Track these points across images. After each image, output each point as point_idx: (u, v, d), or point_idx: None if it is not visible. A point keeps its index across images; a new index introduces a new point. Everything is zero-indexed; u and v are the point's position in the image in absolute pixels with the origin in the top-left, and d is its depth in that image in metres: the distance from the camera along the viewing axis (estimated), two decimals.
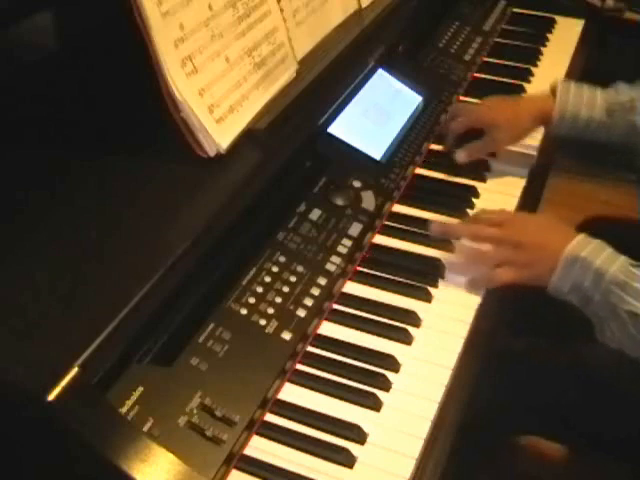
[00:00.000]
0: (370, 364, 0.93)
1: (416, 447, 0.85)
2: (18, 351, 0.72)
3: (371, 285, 1.04)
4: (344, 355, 0.94)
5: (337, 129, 1.17)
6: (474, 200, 1.22)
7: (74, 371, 0.70)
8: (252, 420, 0.83)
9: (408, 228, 1.14)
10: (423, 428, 0.87)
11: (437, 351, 0.96)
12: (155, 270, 0.81)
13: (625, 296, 0.94)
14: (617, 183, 2.27)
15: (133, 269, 0.82)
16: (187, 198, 0.92)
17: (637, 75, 1.27)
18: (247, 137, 1.00)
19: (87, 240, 0.85)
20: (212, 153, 0.95)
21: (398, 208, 1.18)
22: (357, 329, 0.98)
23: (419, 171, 1.27)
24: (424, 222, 1.12)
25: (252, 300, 0.91)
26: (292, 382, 0.90)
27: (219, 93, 0.97)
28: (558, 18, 1.73)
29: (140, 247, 0.85)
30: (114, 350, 0.76)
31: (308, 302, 0.95)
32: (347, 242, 1.04)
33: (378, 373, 0.92)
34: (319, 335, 0.96)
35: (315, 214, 1.05)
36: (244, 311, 0.90)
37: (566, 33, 1.69)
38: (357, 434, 0.85)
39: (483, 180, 1.25)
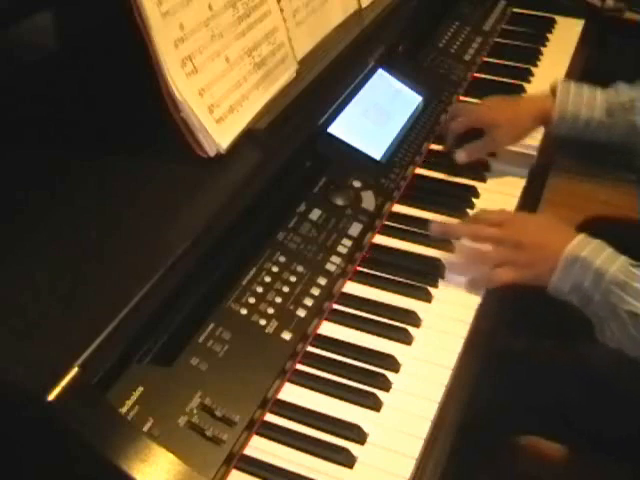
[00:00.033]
0: (370, 364, 0.93)
1: (416, 447, 0.85)
2: (18, 351, 0.72)
3: (371, 285, 1.04)
4: (344, 355, 0.94)
5: (337, 129, 1.17)
6: (474, 200, 1.22)
7: (74, 371, 0.70)
8: (252, 420, 0.83)
9: (408, 228, 1.14)
10: (423, 428, 0.87)
11: (437, 351, 0.96)
12: (155, 270, 0.81)
13: (625, 296, 0.94)
14: (617, 183, 2.27)
15: (133, 269, 0.82)
16: (187, 198, 0.92)
17: (637, 75, 1.27)
18: (247, 137, 1.00)
19: (87, 240, 0.85)
20: (212, 153, 0.95)
21: (398, 208, 1.18)
22: (357, 329, 0.98)
23: (419, 171, 1.27)
24: (424, 222, 1.12)
25: (252, 300, 0.91)
26: (292, 382, 0.90)
27: (219, 93, 0.97)
28: (558, 18, 1.73)
29: (140, 247, 0.85)
30: (114, 350, 0.76)
31: (308, 302, 0.95)
32: (347, 242, 1.04)
33: (378, 373, 0.92)
34: (319, 335, 0.96)
35: (315, 214, 1.05)
36: (244, 311, 0.90)
37: (566, 33, 1.69)
38: (357, 434, 0.85)
39: (483, 180, 1.25)
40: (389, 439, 0.86)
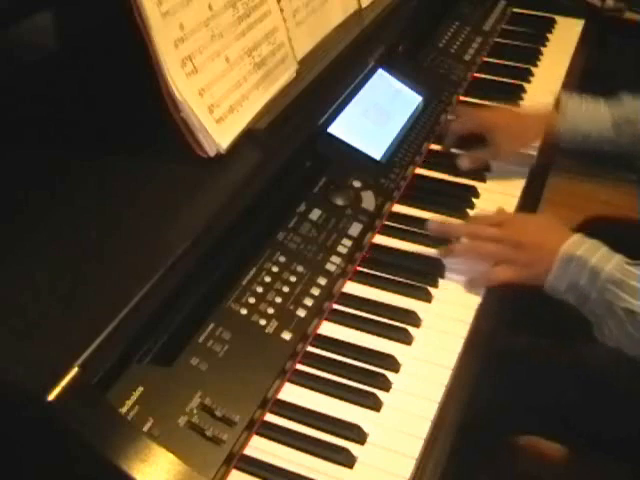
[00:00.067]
0: (370, 364, 0.93)
1: (416, 447, 0.85)
2: (18, 351, 0.72)
3: (371, 285, 1.04)
4: (344, 355, 0.94)
5: (337, 129, 1.17)
6: (474, 200, 1.22)
7: (74, 371, 0.70)
8: (252, 420, 0.83)
9: (408, 228, 1.14)
10: (423, 428, 0.87)
11: (437, 351, 0.96)
12: (155, 270, 0.81)
13: (621, 293, 0.94)
14: (617, 183, 2.27)
15: (133, 269, 0.81)
16: (187, 198, 0.92)
17: (637, 75, 1.27)
18: (247, 137, 1.00)
19: (87, 240, 0.85)
20: (212, 153, 0.95)
21: (398, 208, 1.18)
22: (357, 329, 0.98)
23: (419, 171, 1.27)
24: (424, 222, 1.12)
25: (252, 300, 0.91)
26: (292, 382, 0.90)
27: (219, 93, 0.97)
28: (558, 18, 1.73)
29: (140, 247, 0.85)
30: (114, 350, 0.76)
31: (308, 302, 0.95)
32: (347, 242, 1.04)
33: (378, 373, 0.92)
34: (319, 335, 0.96)
35: (315, 214, 1.05)
36: (244, 311, 0.90)
37: (566, 33, 1.69)
38: (357, 434, 0.85)
39: (483, 180, 1.25)
40: (389, 439, 0.86)
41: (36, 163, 0.95)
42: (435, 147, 1.32)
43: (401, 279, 1.05)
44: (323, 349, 0.95)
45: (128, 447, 0.70)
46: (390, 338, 0.97)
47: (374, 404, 0.89)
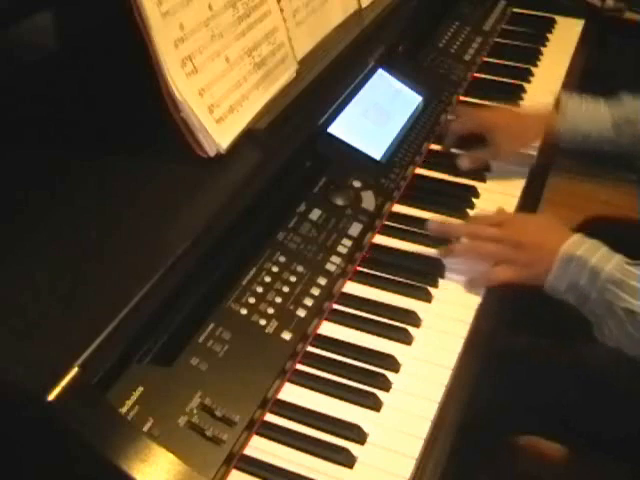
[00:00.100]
0: (370, 364, 0.93)
1: (416, 447, 0.85)
2: (18, 351, 0.72)
3: (371, 285, 1.04)
4: (344, 355, 0.94)
5: (337, 129, 1.17)
6: (474, 200, 1.21)
7: (74, 371, 0.70)
8: (252, 420, 0.83)
9: (408, 228, 1.14)
10: (423, 428, 0.87)
11: (437, 351, 0.96)
12: (155, 270, 0.81)
13: (621, 293, 0.94)
14: (617, 183, 2.27)
15: (133, 269, 0.82)
16: (187, 198, 0.92)
17: (637, 75, 1.27)
18: (247, 137, 1.00)
19: (87, 240, 0.85)
20: (212, 153, 0.95)
21: (398, 208, 1.18)
22: (357, 329, 0.98)
23: (419, 171, 1.27)
24: (424, 222, 1.12)
25: (252, 300, 0.91)
26: (292, 382, 0.90)
27: (219, 93, 0.97)
28: (558, 18, 1.73)
29: (140, 247, 0.85)
30: (114, 350, 0.76)
31: (308, 302, 0.95)
32: (347, 242, 1.04)
33: (378, 373, 0.92)
34: (319, 335, 0.96)
35: (315, 214, 1.05)
36: (244, 311, 0.90)
37: (566, 33, 1.69)
38: (357, 434, 0.85)
39: (483, 180, 1.25)
40: (389, 439, 0.86)
41: (36, 163, 0.95)
42: (435, 147, 1.32)
43: (401, 279, 1.05)
44: (323, 349, 0.95)
45: (128, 447, 0.70)
46: (390, 338, 0.97)
47: (374, 404, 0.89)
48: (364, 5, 1.34)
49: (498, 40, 1.65)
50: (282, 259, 0.97)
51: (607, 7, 1.73)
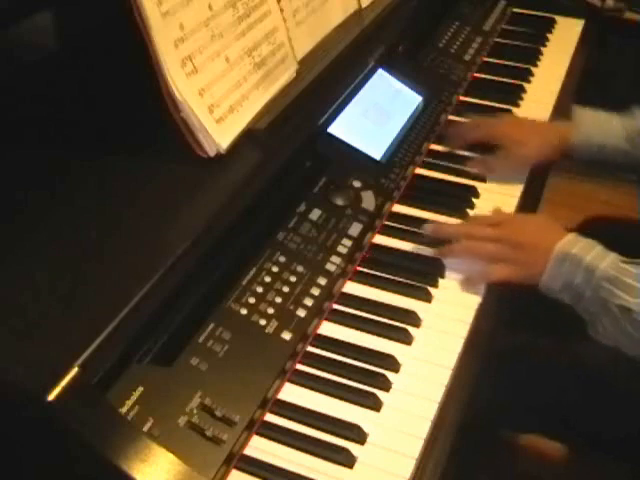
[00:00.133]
0: (370, 364, 0.93)
1: (416, 447, 0.85)
2: (18, 351, 0.72)
3: (371, 285, 1.04)
4: (344, 355, 0.94)
5: (337, 129, 1.17)
6: (474, 200, 1.21)
7: (74, 371, 0.70)
8: (252, 420, 0.83)
9: (408, 228, 1.13)
10: (423, 428, 0.87)
11: (437, 351, 0.96)
12: (155, 270, 0.81)
13: (616, 290, 0.95)
14: (617, 183, 2.27)
15: (133, 269, 0.81)
16: (187, 198, 0.92)
17: (637, 75, 1.28)
18: (247, 137, 1.00)
19: (87, 240, 0.85)
20: (212, 153, 0.95)
21: (398, 208, 1.18)
22: (357, 329, 0.98)
23: (419, 171, 1.26)
24: (424, 222, 1.12)
25: (252, 300, 0.91)
26: (292, 382, 0.90)
27: (219, 93, 0.97)
28: (558, 18, 1.73)
29: (140, 247, 0.85)
30: (114, 350, 0.76)
31: (308, 302, 0.95)
32: (347, 242, 1.04)
33: (378, 373, 0.92)
34: (319, 335, 0.96)
35: (315, 214, 1.05)
36: (244, 311, 0.90)
37: (566, 33, 1.69)
38: (357, 434, 0.85)
39: (483, 180, 1.25)
40: (389, 439, 0.86)
41: (36, 163, 0.95)
42: (435, 147, 1.32)
43: (401, 279, 1.05)
44: (323, 349, 0.95)
45: (128, 447, 0.70)
46: (390, 338, 0.97)
47: (374, 404, 0.89)
48: (364, 5, 1.34)
49: (498, 40, 1.64)
50: (282, 259, 0.97)
51: (607, 7, 1.73)
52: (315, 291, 0.96)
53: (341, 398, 0.89)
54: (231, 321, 0.88)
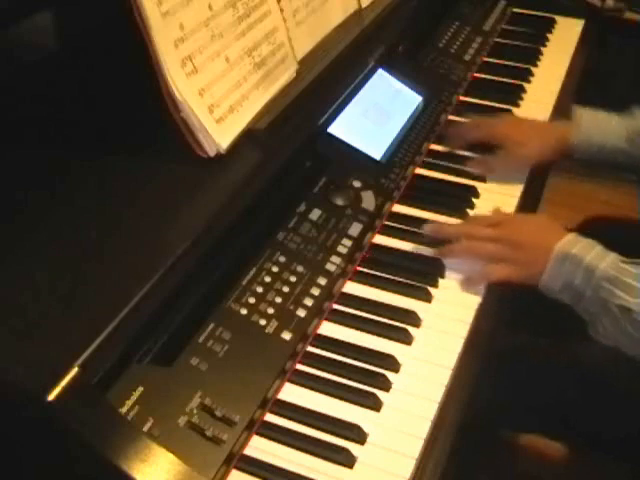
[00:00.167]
0: (370, 364, 0.93)
1: (416, 447, 0.85)
2: (18, 351, 0.72)
3: (371, 285, 1.04)
4: (344, 355, 0.94)
5: (337, 129, 1.17)
6: (474, 200, 1.21)
7: (74, 371, 0.70)
8: (252, 420, 0.83)
9: (408, 228, 1.13)
10: (423, 428, 0.87)
11: (437, 351, 0.96)
12: (155, 270, 0.81)
13: (616, 290, 0.95)
14: (617, 183, 2.27)
15: (133, 269, 0.81)
16: (187, 198, 0.92)
17: (637, 75, 1.28)
18: (247, 137, 1.00)
19: (87, 240, 0.85)
20: (212, 153, 0.95)
21: (398, 208, 1.18)
22: (357, 329, 0.98)
23: (419, 171, 1.26)
24: (424, 222, 1.12)
25: (252, 300, 0.91)
26: (292, 382, 0.90)
27: (219, 93, 0.97)
28: (558, 18, 1.73)
29: (140, 247, 0.85)
30: (114, 350, 0.76)
31: (308, 302, 0.95)
32: (347, 242, 1.04)
33: (378, 373, 0.92)
34: (319, 335, 0.96)
35: (315, 214, 1.05)
36: (244, 311, 0.90)
37: (566, 33, 1.69)
38: (357, 434, 0.85)
39: (483, 180, 1.25)
40: (389, 439, 0.86)
41: (36, 163, 0.95)
42: (435, 147, 1.32)
43: (401, 279, 1.05)
44: (323, 349, 0.95)
45: (128, 447, 0.70)
46: (390, 338, 0.97)
47: (374, 404, 0.89)
48: (364, 5, 1.34)
49: (498, 40, 1.64)
50: (282, 259, 0.97)
51: (607, 7, 1.73)
52: (315, 291, 0.96)
53: (341, 398, 0.89)
54: (231, 321, 0.88)
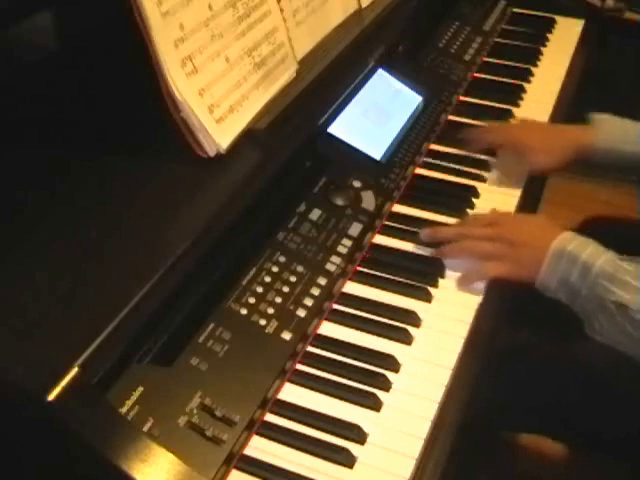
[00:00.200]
0: (370, 364, 0.93)
1: (416, 447, 0.85)
2: (18, 351, 0.72)
3: (371, 285, 1.04)
4: (344, 355, 0.94)
5: (337, 129, 1.17)
6: (474, 200, 1.21)
7: (74, 371, 0.70)
8: (252, 420, 0.83)
9: (408, 228, 1.13)
10: (423, 428, 0.87)
11: (437, 351, 0.96)
12: (155, 270, 0.81)
13: (612, 287, 0.95)
14: (617, 183, 2.27)
15: (133, 269, 0.82)
16: (187, 198, 0.92)
17: (637, 75, 1.27)
18: (247, 137, 1.00)
19: (87, 240, 0.85)
20: (212, 153, 0.95)
21: (398, 208, 1.18)
22: (357, 329, 0.98)
23: (419, 171, 1.26)
24: (424, 222, 1.13)
25: (252, 300, 0.91)
26: (292, 382, 0.90)
27: (219, 93, 0.97)
28: (558, 18, 1.73)
29: (140, 247, 0.85)
30: (114, 350, 0.76)
31: (308, 302, 0.95)
32: (347, 242, 1.04)
33: (378, 373, 0.92)
34: (319, 335, 0.96)
35: (315, 214, 1.05)
36: (244, 311, 0.90)
37: (566, 33, 1.69)
38: (357, 434, 0.85)
39: (483, 180, 1.25)
40: (389, 439, 0.86)
41: (36, 163, 0.95)
42: (435, 147, 1.32)
43: (401, 279, 1.05)
44: (323, 349, 0.95)
45: (128, 447, 0.70)
46: (390, 338, 0.97)
47: (374, 404, 0.89)
48: (364, 5, 1.34)
49: (498, 40, 1.64)
50: (282, 259, 0.97)
51: (607, 7, 1.73)
52: (315, 291, 0.96)
53: (341, 398, 0.89)
54: (231, 321, 0.88)
